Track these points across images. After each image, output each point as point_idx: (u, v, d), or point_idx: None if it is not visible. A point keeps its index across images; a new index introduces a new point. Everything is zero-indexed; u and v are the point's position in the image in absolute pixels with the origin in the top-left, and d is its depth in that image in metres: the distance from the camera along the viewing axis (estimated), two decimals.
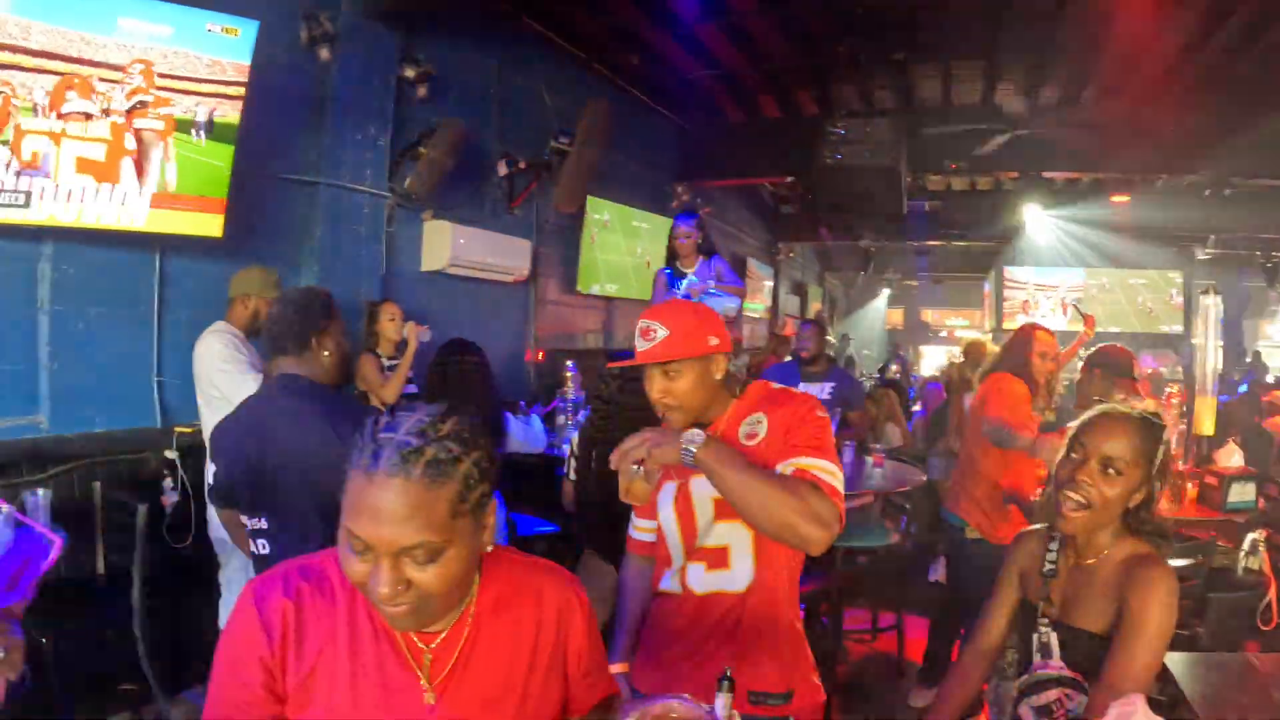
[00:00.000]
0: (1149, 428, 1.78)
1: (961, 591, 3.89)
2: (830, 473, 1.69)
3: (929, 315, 20.56)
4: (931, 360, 18.33)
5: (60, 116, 3.56)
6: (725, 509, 1.78)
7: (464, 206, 5.57)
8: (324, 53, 4.61)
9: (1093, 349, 4.06)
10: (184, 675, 3.72)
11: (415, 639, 1.25)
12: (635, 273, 7.24)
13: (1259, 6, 5.55)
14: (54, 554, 1.30)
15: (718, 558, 1.86)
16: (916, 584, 5.24)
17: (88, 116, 3.62)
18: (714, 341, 1.83)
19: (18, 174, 3.46)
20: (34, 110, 3.47)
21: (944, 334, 19.99)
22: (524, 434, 3.81)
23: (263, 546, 2.35)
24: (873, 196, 7.64)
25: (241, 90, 3.91)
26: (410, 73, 5.07)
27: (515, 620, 1.32)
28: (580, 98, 6.13)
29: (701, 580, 1.89)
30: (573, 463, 3.32)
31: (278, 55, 4.24)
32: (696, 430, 1.66)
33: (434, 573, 1.12)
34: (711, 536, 1.87)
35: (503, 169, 5.81)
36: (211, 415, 3.39)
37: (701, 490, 1.83)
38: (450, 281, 5.53)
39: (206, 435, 3.24)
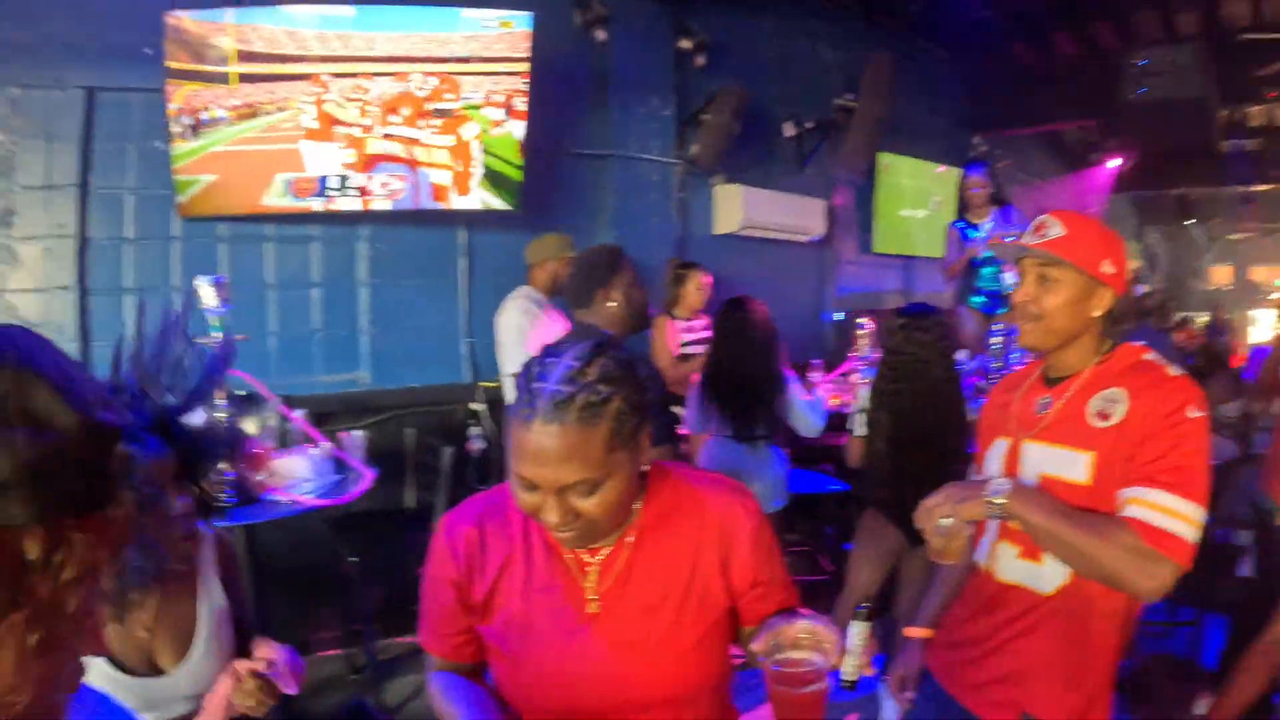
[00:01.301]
0: None
1: (1272, 588, 3.11)
2: (1184, 518, 1.40)
3: (1260, 273, 16.84)
4: (1264, 325, 15.01)
5: (386, 113, 4.15)
6: (1056, 490, 1.54)
7: (754, 169, 5.54)
8: (600, 34, 4.85)
9: None
10: None
11: (582, 554, 1.35)
12: (931, 229, 6.79)
13: None
14: (366, 484, 1.53)
15: (1032, 546, 1.59)
16: (1225, 578, 4.25)
17: (403, 111, 4.17)
18: (1108, 269, 1.57)
19: (354, 168, 4.10)
20: (360, 109, 4.11)
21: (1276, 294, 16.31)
22: (805, 409, 3.61)
23: None
24: (1181, 133, 6.60)
25: (526, 74, 4.27)
26: (687, 44, 5.20)
27: (677, 533, 1.37)
28: (861, 51, 5.89)
29: (1009, 566, 1.66)
30: (860, 418, 3.22)
31: (557, 41, 4.57)
32: (1004, 480, 1.49)
33: (596, 501, 1.21)
34: None
35: (790, 130, 5.72)
36: (509, 371, 3.71)
37: (1033, 459, 1.62)
38: (744, 243, 5.50)
39: (507, 391, 3.66)
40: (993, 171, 4.92)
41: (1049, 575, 1.58)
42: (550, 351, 1.24)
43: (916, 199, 6.71)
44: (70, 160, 3.95)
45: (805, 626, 1.25)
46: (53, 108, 3.94)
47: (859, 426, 3.24)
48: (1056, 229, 1.58)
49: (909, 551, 3.06)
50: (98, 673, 1.50)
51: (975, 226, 5.03)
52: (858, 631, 1.29)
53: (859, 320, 5.22)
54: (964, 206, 5.03)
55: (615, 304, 2.95)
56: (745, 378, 3.47)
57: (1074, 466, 1.54)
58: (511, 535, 1.39)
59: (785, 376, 3.54)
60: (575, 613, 1.35)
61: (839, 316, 6.09)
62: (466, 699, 1.34)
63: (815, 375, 5.26)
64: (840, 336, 5.99)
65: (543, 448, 1.17)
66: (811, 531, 4.87)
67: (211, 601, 1.69)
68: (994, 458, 1.72)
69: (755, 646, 1.26)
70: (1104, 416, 1.53)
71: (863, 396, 3.25)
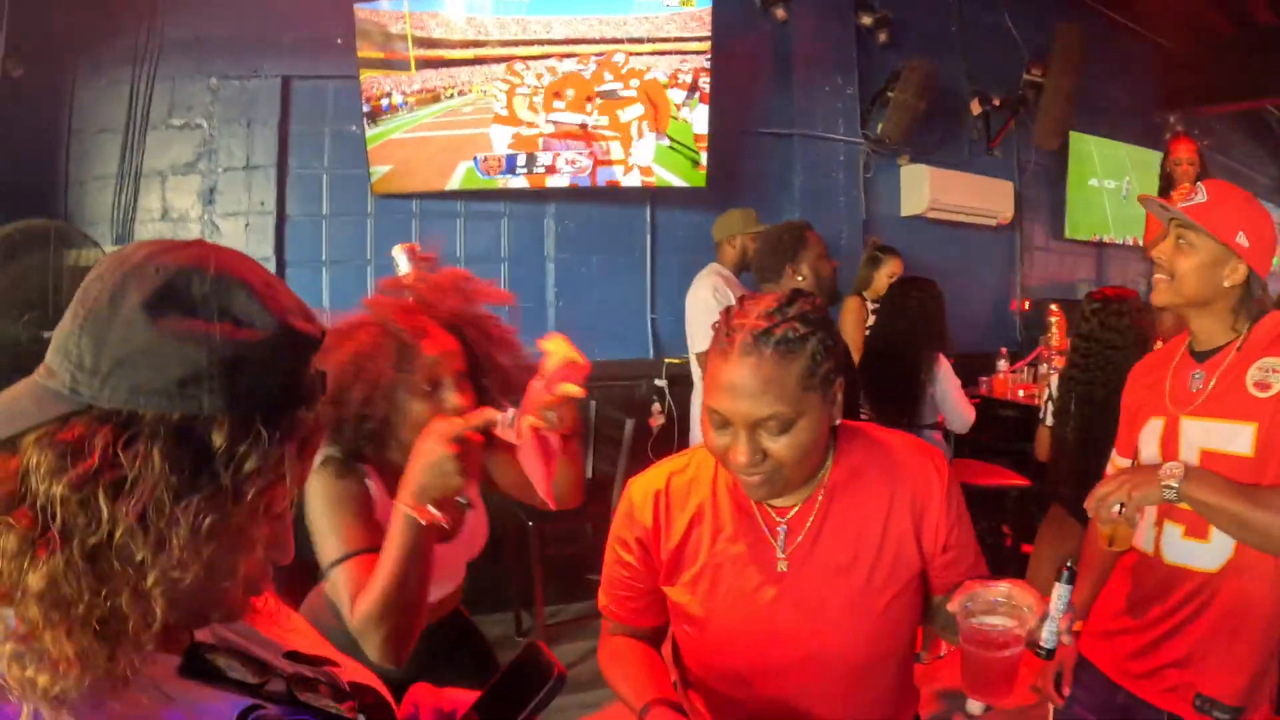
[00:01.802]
0: None
1: None
2: None
3: None
4: None
5: (568, 94, 4.12)
6: (1218, 464, 1.52)
7: (940, 149, 5.26)
8: (780, 12, 4.73)
9: None
10: None
11: (771, 512, 1.34)
12: (1125, 214, 6.28)
13: None
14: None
15: (1197, 524, 1.56)
16: None
17: (585, 91, 4.13)
18: (1242, 241, 1.54)
19: (539, 147, 4.10)
20: (542, 90, 4.11)
21: None
22: (955, 402, 3.38)
23: None
24: None
25: (708, 53, 4.20)
26: (868, 20, 4.97)
27: (868, 493, 1.35)
28: (1048, 24, 5.51)
29: (1174, 547, 1.62)
30: (1050, 407, 3.11)
31: (737, 20, 4.52)
32: (1176, 463, 1.49)
33: (786, 443, 1.21)
34: None
35: (976, 108, 5.37)
36: (697, 350, 3.69)
37: (1193, 435, 1.59)
38: (930, 226, 5.20)
39: (695, 367, 3.69)
40: (1200, 150, 4.48)
41: (1214, 552, 1.56)
42: (749, 297, 1.27)
43: (1111, 182, 6.22)
44: (269, 144, 4.07)
45: (1005, 590, 1.22)
46: (251, 96, 4.09)
47: (1048, 417, 3.12)
48: (1200, 195, 1.59)
49: None
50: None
51: None
52: (1060, 594, 1.22)
53: (1049, 308, 4.94)
54: (1168, 184, 4.62)
55: (803, 278, 2.99)
56: (897, 361, 3.33)
57: (1236, 439, 1.52)
58: (702, 493, 1.39)
59: (939, 365, 3.37)
60: (764, 572, 1.34)
61: (1027, 305, 5.67)
62: (640, 664, 1.38)
63: (1001, 365, 4.98)
64: (1029, 326, 5.61)
65: (740, 379, 1.19)
66: (986, 530, 4.56)
67: None
68: (1149, 438, 1.69)
69: (951, 606, 1.23)
70: (1263, 387, 1.52)
71: (1052, 385, 3.14)
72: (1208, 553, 1.56)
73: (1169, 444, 1.63)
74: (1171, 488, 1.44)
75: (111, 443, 0.62)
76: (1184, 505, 1.49)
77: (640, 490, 1.42)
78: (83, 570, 0.62)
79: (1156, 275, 1.65)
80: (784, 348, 1.19)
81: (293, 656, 0.84)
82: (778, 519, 1.34)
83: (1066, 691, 1.82)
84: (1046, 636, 1.21)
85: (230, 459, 0.66)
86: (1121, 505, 1.49)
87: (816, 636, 1.32)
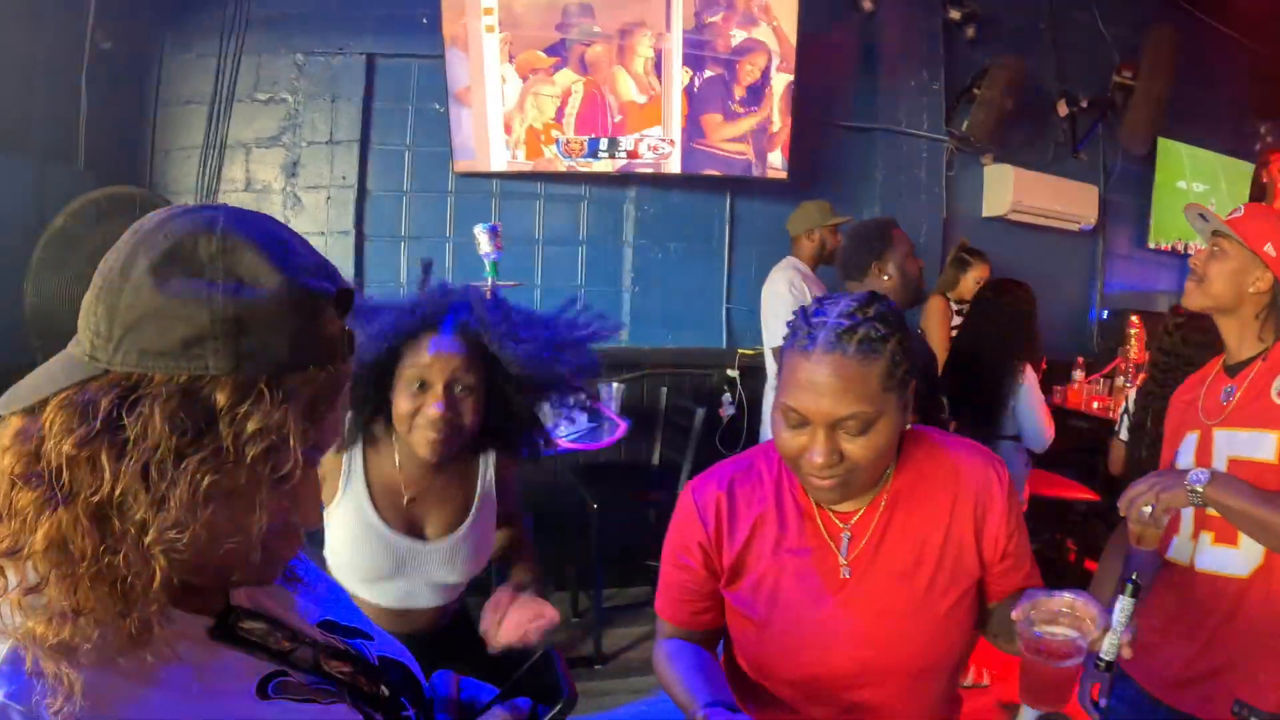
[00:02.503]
0: None
1: None
2: None
3: None
4: None
5: (652, 78, 4.11)
6: (1244, 472, 1.56)
7: (1025, 150, 5.10)
8: (867, 3, 4.64)
9: None
10: None
11: (834, 518, 1.33)
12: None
13: None
14: (618, 434, 1.59)
15: (1226, 530, 1.61)
16: None
17: (670, 75, 4.11)
18: (1270, 251, 1.64)
19: (622, 131, 4.10)
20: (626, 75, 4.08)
21: None
22: (1035, 417, 3.21)
23: None
24: None
25: (792, 44, 4.18)
26: (955, 15, 4.85)
27: (930, 499, 1.34)
28: (1141, 25, 5.35)
29: (1205, 554, 1.67)
30: (1125, 420, 2.99)
31: (822, 11, 4.46)
32: (1201, 469, 1.51)
33: (864, 443, 1.20)
34: None
35: (1063, 109, 5.21)
36: (772, 343, 3.63)
37: (1222, 445, 1.66)
38: (1011, 229, 5.05)
39: (768, 360, 3.65)
40: None
41: (1244, 558, 1.60)
42: (827, 298, 1.27)
43: (1199, 190, 6.01)
44: (352, 119, 4.12)
45: (1068, 600, 1.19)
46: (335, 72, 4.13)
47: (1123, 431, 3.02)
48: (1240, 210, 1.71)
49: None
50: (360, 518, 1.61)
51: None
52: (1124, 607, 1.20)
53: (1129, 319, 4.78)
54: (1260, 194, 4.48)
55: (889, 277, 2.93)
56: (982, 368, 3.19)
57: (1261, 447, 1.58)
58: (764, 497, 1.37)
59: (1024, 376, 3.20)
60: (826, 577, 1.32)
61: (1107, 314, 5.50)
62: (695, 666, 1.31)
63: (1077, 375, 4.85)
64: (1107, 336, 5.45)
65: (821, 377, 1.18)
66: (1048, 543, 4.48)
67: (486, 492, 1.75)
68: (1185, 451, 1.75)
69: (1015, 614, 1.21)
70: None
71: (1129, 399, 3.03)
72: (1238, 558, 1.61)
73: (1202, 456, 1.70)
74: (1196, 491, 1.47)
75: (116, 404, 0.64)
76: (1211, 511, 1.53)
77: (700, 493, 1.40)
78: (86, 527, 0.64)
79: (1189, 280, 1.76)
80: (866, 347, 1.18)
81: (327, 626, 0.86)
82: (841, 525, 1.33)
83: (1103, 703, 1.80)
84: (1107, 649, 1.18)
85: (232, 420, 0.66)
86: (1151, 507, 1.51)
87: (876, 643, 1.30)
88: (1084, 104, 5.27)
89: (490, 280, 3.42)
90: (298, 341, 0.69)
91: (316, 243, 3.07)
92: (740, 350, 4.33)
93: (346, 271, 3.86)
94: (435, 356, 1.55)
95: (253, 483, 0.69)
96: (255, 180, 4.07)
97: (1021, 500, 3.18)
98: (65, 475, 0.63)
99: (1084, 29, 5.35)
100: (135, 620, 0.66)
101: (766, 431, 3.75)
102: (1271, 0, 5.99)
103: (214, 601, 0.76)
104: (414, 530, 1.66)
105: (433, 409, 1.53)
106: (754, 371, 4.13)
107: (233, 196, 4.03)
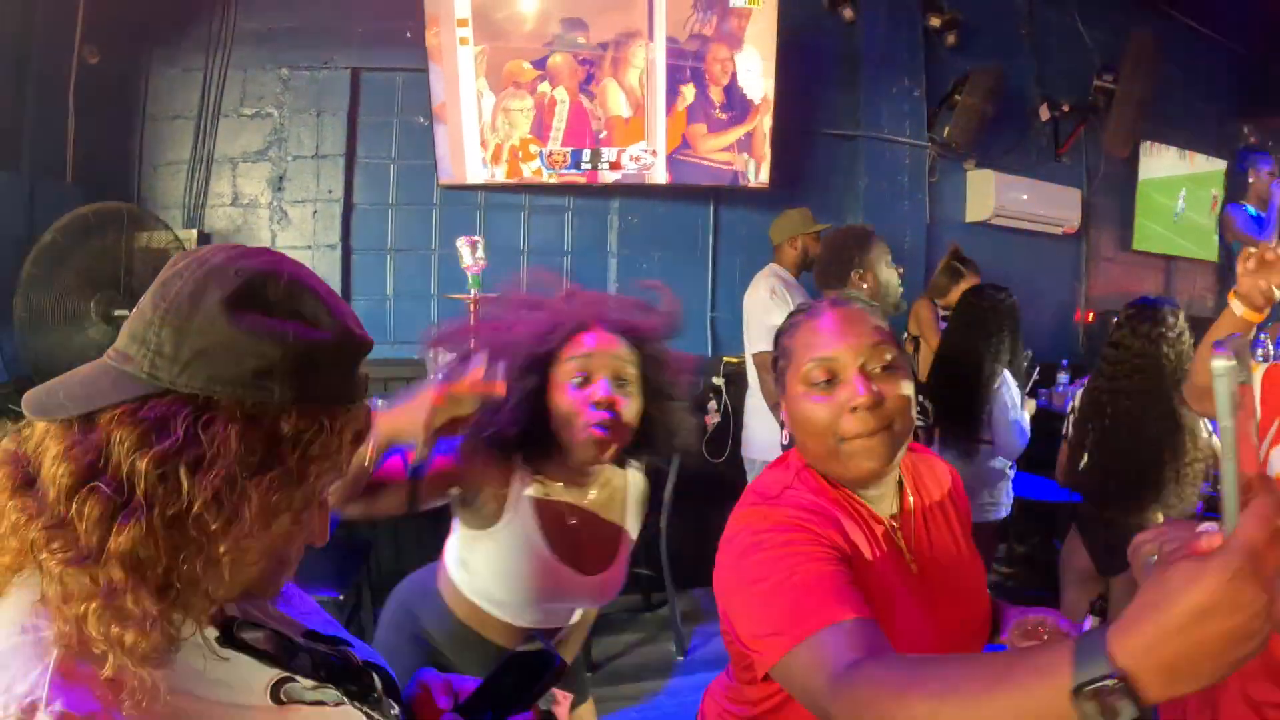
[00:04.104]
0: None
1: None
2: None
3: None
4: None
5: (632, 88, 4.14)
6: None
7: (1007, 155, 5.14)
8: (847, 12, 4.70)
9: None
10: (695, 573, 3.95)
11: (884, 517, 1.28)
12: (1196, 227, 6.10)
13: None
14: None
15: None
16: None
17: (650, 85, 4.13)
18: None
19: (604, 142, 4.13)
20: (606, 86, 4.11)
21: None
22: (1009, 424, 3.08)
23: None
24: None
25: (773, 54, 4.21)
26: (936, 21, 4.89)
27: (934, 493, 1.37)
28: (1121, 29, 5.39)
29: None
30: (1071, 417, 2.90)
31: (803, 20, 4.48)
32: (1210, 524, 1.28)
33: (894, 384, 1.19)
34: None
35: (1045, 113, 5.25)
36: (753, 350, 3.64)
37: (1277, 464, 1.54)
38: (995, 233, 5.09)
39: (750, 367, 3.67)
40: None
41: None
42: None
43: (1181, 192, 6.05)
44: (338, 133, 4.14)
45: (1038, 619, 1.26)
46: (321, 86, 4.15)
47: (1069, 427, 2.92)
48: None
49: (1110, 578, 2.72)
50: (525, 543, 1.54)
51: (1263, 216, 4.52)
52: (1095, 625, 1.29)
53: (1113, 321, 4.82)
54: (1243, 194, 4.52)
55: (867, 284, 2.92)
56: (963, 374, 3.09)
57: None
58: (829, 513, 1.23)
59: (1001, 383, 3.11)
60: (901, 576, 1.26)
61: (1092, 317, 5.54)
62: (971, 657, 0.94)
63: (1062, 378, 4.90)
64: (1092, 338, 5.47)
65: (837, 322, 1.22)
66: (1038, 547, 4.58)
67: (632, 530, 1.75)
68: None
69: (1005, 638, 1.27)
70: None
71: (1075, 397, 2.94)
72: None
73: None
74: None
75: (193, 423, 0.69)
76: None
77: (795, 509, 1.19)
78: (162, 537, 0.67)
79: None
80: (864, 306, 1.27)
81: (311, 636, 0.89)
82: (893, 525, 1.29)
83: None
84: None
85: (296, 445, 0.73)
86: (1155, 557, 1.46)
87: (957, 625, 1.28)
88: (1065, 108, 5.33)
89: (474, 293, 3.45)
90: (346, 379, 0.78)
91: (303, 256, 3.14)
92: (725, 358, 4.37)
93: (334, 285, 3.91)
94: (597, 348, 1.50)
95: (308, 504, 0.77)
96: (242, 194, 4.09)
97: (1005, 504, 3.20)
98: (140, 488, 0.67)
99: (1064, 33, 5.39)
100: (183, 626, 0.70)
101: (753, 436, 3.79)
102: (1252, 1, 6.04)
103: (214, 613, 0.78)
104: (577, 562, 1.61)
105: (599, 394, 1.47)
106: (739, 379, 4.14)
107: (220, 211, 4.05)
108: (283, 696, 0.78)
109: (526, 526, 1.55)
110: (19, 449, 0.73)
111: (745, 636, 1.09)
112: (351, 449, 0.80)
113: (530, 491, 1.57)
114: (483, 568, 1.58)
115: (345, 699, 0.85)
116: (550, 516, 1.58)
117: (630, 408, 1.51)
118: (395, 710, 0.93)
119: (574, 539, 1.60)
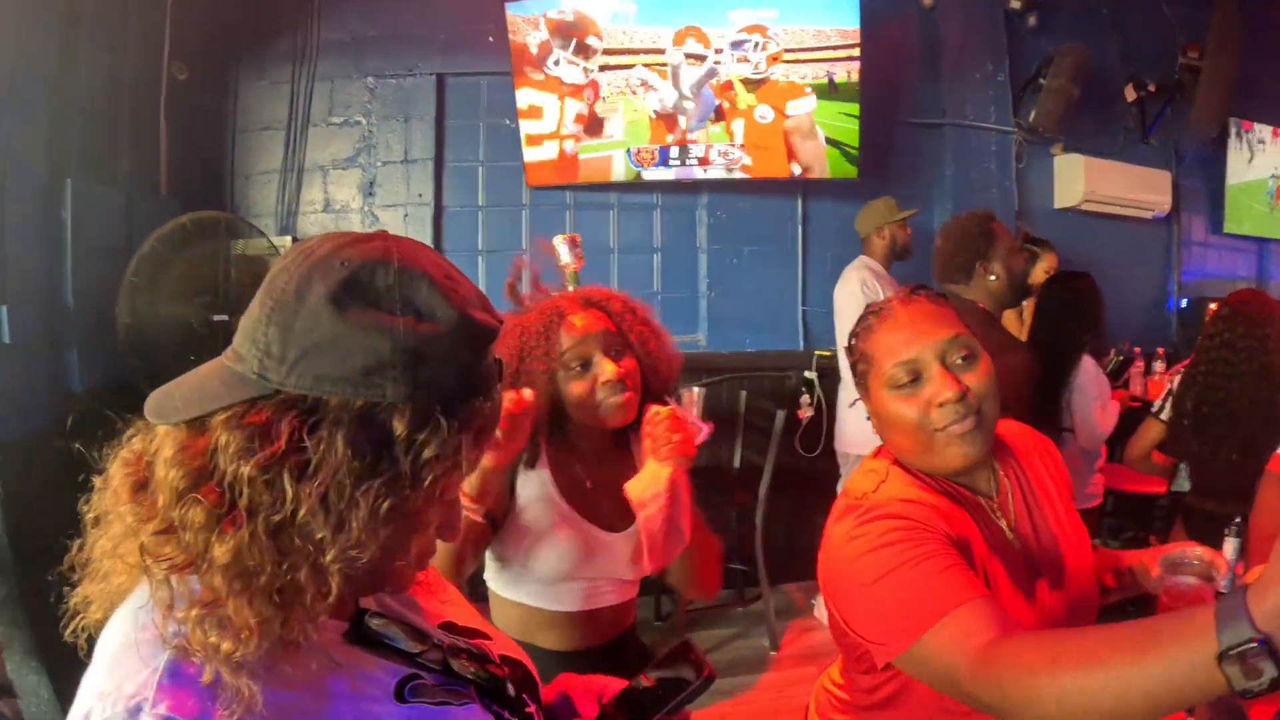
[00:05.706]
0: None
1: None
2: None
3: None
4: None
5: (720, 85, 4.11)
6: None
7: (1095, 137, 5.01)
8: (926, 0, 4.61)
9: None
10: (789, 568, 4.14)
11: (985, 501, 1.28)
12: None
13: None
14: (702, 437, 1.53)
15: None
16: None
17: (737, 81, 4.12)
18: None
19: (692, 140, 4.12)
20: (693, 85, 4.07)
21: None
22: (1090, 414, 2.99)
23: None
24: None
25: (855, 49, 4.14)
26: (1016, 4, 4.79)
27: (1033, 468, 1.37)
28: (1205, 2, 5.26)
29: None
30: (1168, 401, 2.95)
31: (883, 11, 4.42)
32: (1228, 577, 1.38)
33: (977, 374, 1.21)
34: None
35: (1130, 94, 5.11)
36: (845, 342, 3.41)
37: None
38: (1084, 219, 4.98)
39: (842, 360, 3.62)
40: None
41: None
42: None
43: (1273, 172, 5.84)
44: (426, 138, 4.18)
45: (1197, 552, 1.27)
46: (407, 93, 4.20)
47: (1165, 411, 2.96)
48: None
49: None
50: (552, 512, 1.59)
51: None
52: (1232, 546, 1.33)
53: (1208, 307, 4.66)
54: None
55: (995, 277, 2.71)
56: (1043, 360, 2.99)
57: None
58: (933, 504, 1.23)
59: (1080, 370, 3.02)
60: (1005, 557, 1.25)
61: (1185, 303, 5.38)
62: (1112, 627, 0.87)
63: (1157, 366, 4.73)
64: (1186, 325, 5.32)
65: (910, 318, 1.24)
66: (1132, 540, 4.39)
67: None
68: None
69: (1154, 571, 1.30)
70: None
71: (1174, 382, 2.96)
72: None
73: None
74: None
75: (297, 427, 0.65)
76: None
77: (895, 503, 1.19)
78: (266, 545, 0.65)
79: None
80: (935, 299, 1.29)
81: (448, 628, 0.87)
82: (988, 504, 1.29)
83: None
84: (1225, 584, 1.27)
85: (410, 446, 0.68)
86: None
87: (1064, 598, 1.28)
88: (1151, 88, 5.16)
89: (572, 291, 3.45)
90: (466, 372, 0.72)
91: None
92: (817, 352, 4.33)
93: None
94: (584, 330, 1.58)
95: (427, 506, 0.72)
96: (334, 201, 4.15)
97: (1094, 495, 3.13)
98: (245, 494, 0.64)
99: (1147, 10, 5.24)
100: (297, 630, 0.67)
101: (846, 430, 3.73)
102: None
103: (347, 605, 0.77)
104: (599, 520, 1.66)
105: (607, 373, 1.56)
106: (831, 373, 4.13)
107: (312, 217, 4.12)
108: (407, 694, 0.75)
109: (547, 495, 1.61)
110: (144, 451, 0.72)
111: (868, 633, 1.11)
112: (476, 448, 0.74)
113: (544, 464, 1.64)
114: (523, 551, 1.61)
115: (472, 697, 0.81)
116: (566, 481, 1.64)
117: (628, 366, 1.60)
118: (530, 709, 0.89)
119: (595, 499, 1.66)
